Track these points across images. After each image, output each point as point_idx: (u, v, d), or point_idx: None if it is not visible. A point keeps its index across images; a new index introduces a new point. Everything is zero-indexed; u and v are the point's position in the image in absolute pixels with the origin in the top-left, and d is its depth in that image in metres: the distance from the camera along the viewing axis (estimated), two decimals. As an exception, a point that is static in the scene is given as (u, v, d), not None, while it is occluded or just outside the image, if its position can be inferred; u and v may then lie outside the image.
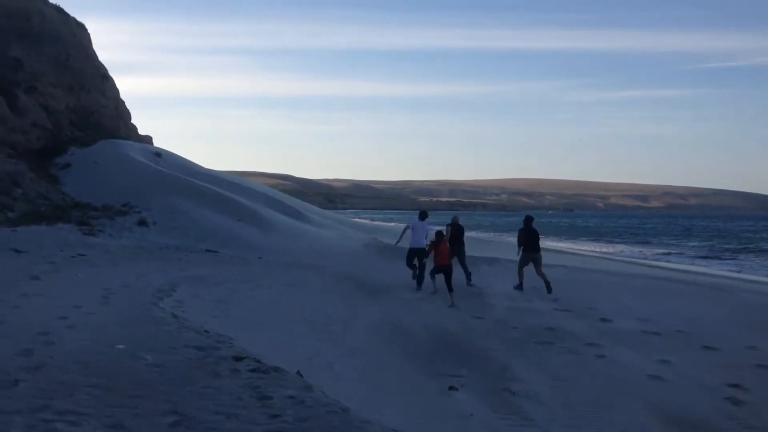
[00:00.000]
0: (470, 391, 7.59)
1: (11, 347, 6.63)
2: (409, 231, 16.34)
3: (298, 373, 6.76)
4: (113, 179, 29.32)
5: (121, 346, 7.01)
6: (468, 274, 16.43)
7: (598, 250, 42.65)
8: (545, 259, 16.52)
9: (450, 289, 13.85)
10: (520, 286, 15.68)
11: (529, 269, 15.71)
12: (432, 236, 15.18)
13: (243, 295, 12.70)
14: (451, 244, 15.50)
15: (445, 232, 15.75)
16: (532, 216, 16.89)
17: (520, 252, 15.91)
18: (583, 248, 43.47)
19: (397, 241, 17.93)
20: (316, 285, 15.21)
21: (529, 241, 15.85)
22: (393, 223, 52.44)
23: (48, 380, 5.63)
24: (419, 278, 15.52)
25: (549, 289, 15.13)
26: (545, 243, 25.25)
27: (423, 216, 16.73)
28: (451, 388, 7.68)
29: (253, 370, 6.45)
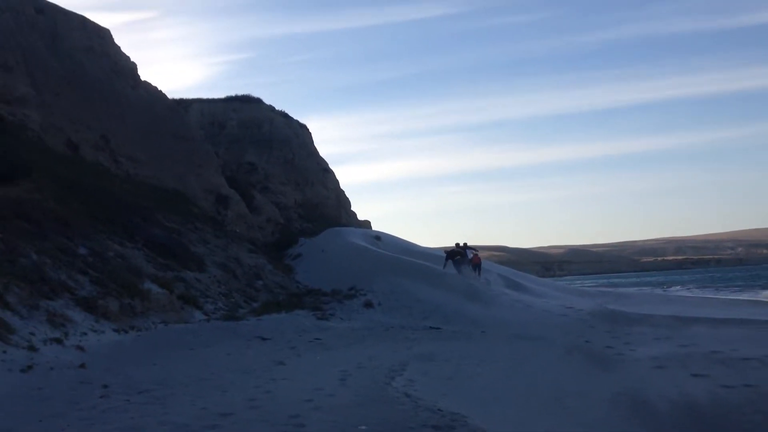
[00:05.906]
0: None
1: (269, 431, 7.24)
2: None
3: (538, 452, 6.60)
4: (339, 264, 31.29)
5: (363, 427, 7.34)
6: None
7: None
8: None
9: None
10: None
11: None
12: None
13: (470, 370, 12.72)
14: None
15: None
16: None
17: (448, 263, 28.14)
18: None
19: (444, 266, 28.48)
20: (543, 357, 14.83)
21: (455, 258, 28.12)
22: (624, 289, 49.16)
23: (303, 461, 6.04)
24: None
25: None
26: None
27: (465, 246, 29.09)
28: (707, 467, 7.02)
29: (491, 450, 6.42)
